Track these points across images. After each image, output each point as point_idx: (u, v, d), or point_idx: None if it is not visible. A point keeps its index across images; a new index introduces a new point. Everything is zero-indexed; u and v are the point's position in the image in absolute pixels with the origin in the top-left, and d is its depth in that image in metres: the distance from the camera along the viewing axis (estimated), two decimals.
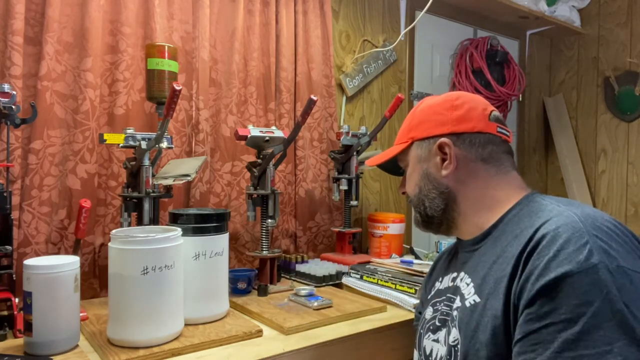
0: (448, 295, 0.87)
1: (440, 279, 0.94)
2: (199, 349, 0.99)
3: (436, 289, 0.93)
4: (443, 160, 0.86)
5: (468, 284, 0.81)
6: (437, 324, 0.87)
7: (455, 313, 0.81)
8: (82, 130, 1.32)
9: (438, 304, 0.89)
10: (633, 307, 0.61)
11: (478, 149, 0.85)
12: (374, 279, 1.39)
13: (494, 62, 2.41)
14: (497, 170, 0.85)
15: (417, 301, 1.25)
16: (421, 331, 0.91)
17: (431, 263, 1.49)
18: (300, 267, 1.52)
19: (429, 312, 0.91)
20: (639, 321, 0.61)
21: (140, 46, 1.42)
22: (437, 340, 0.85)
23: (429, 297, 0.95)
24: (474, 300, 0.78)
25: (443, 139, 0.86)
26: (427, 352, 0.87)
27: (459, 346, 0.78)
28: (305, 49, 1.77)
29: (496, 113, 0.89)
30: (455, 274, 0.88)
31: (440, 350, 0.83)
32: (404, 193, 0.97)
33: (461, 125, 0.86)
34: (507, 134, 0.89)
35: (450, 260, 0.96)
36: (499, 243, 0.79)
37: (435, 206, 0.88)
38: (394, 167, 1.00)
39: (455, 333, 0.80)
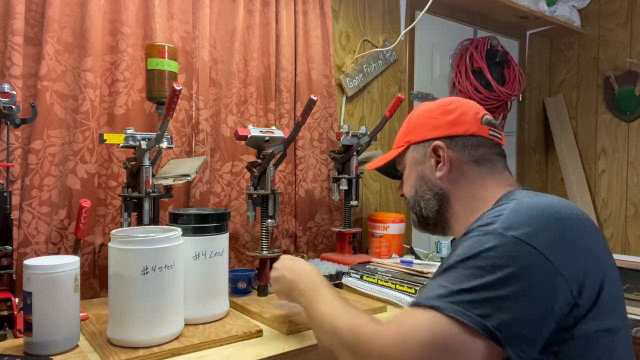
0: None
1: None
2: (199, 349, 0.99)
3: None
4: (437, 162, 0.90)
5: None
6: None
7: None
8: (82, 130, 1.32)
9: None
10: (490, 267, 0.66)
11: (471, 151, 0.88)
12: (374, 279, 1.39)
13: (494, 62, 2.42)
14: (488, 171, 0.88)
15: None
16: None
17: (431, 263, 1.49)
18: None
19: None
20: (481, 278, 0.65)
21: (140, 46, 1.42)
22: None
23: None
24: None
25: (437, 142, 0.89)
26: None
27: None
28: (305, 49, 1.77)
29: (488, 117, 0.92)
30: None
31: None
32: (402, 195, 1.00)
33: (454, 128, 0.89)
34: (499, 136, 0.92)
35: None
36: None
37: (430, 207, 0.92)
38: (392, 170, 1.04)
39: None
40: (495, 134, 0.91)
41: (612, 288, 0.72)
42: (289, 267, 1.02)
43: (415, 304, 0.69)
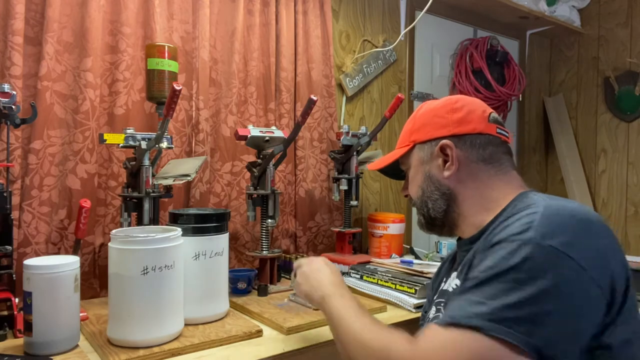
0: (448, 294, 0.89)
1: (445, 279, 0.96)
2: (199, 349, 0.99)
3: (441, 289, 0.95)
4: (445, 161, 0.88)
5: (457, 277, 0.87)
6: None
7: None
8: (82, 130, 1.32)
9: (440, 304, 0.91)
10: (530, 279, 0.64)
11: (479, 150, 0.87)
12: (374, 279, 1.39)
13: (494, 62, 2.42)
14: (496, 171, 0.87)
15: (417, 301, 1.25)
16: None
17: (431, 263, 1.49)
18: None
19: (432, 312, 0.93)
20: (522, 291, 0.63)
21: (140, 46, 1.42)
22: None
23: (435, 297, 0.96)
24: (455, 285, 0.84)
25: (445, 141, 0.87)
26: None
27: None
28: (305, 49, 1.77)
29: (495, 115, 0.90)
30: (455, 273, 0.90)
31: None
32: (406, 196, 0.98)
33: (462, 127, 0.87)
34: (507, 134, 0.90)
35: (453, 261, 0.98)
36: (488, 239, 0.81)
37: (437, 207, 0.89)
38: (394, 171, 1.01)
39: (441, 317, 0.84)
40: (502, 132, 0.89)
41: (633, 293, 0.72)
42: (317, 268, 0.99)
43: (451, 324, 0.65)
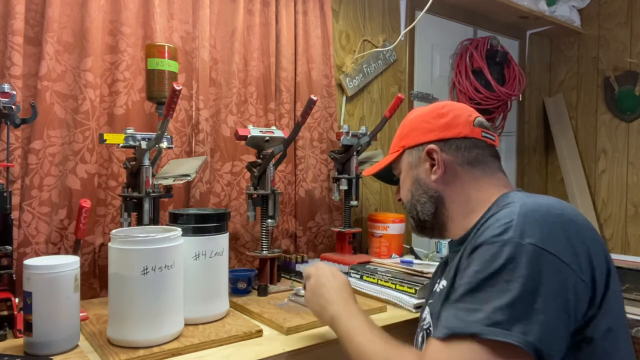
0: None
1: (438, 280, 0.97)
2: (199, 349, 0.99)
3: (434, 290, 0.96)
4: (432, 165, 0.91)
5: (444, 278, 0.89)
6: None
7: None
8: (82, 130, 1.32)
9: (431, 305, 0.93)
10: (517, 278, 0.65)
11: (464, 153, 0.89)
12: (374, 279, 1.38)
13: (494, 62, 2.41)
14: (482, 173, 0.89)
15: (417, 301, 1.26)
16: (418, 330, 0.96)
17: (431, 263, 1.49)
18: (300, 267, 1.52)
19: (425, 312, 0.95)
20: (511, 292, 0.65)
21: (140, 46, 1.42)
22: None
23: (428, 298, 0.98)
24: (443, 285, 0.85)
25: (431, 145, 0.90)
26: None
27: (430, 328, 0.86)
28: (305, 49, 1.77)
29: (480, 119, 0.93)
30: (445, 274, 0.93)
31: None
32: (399, 200, 1.01)
33: (447, 131, 0.90)
34: (492, 138, 0.93)
35: (446, 263, 0.99)
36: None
37: (426, 210, 0.92)
38: (390, 176, 1.05)
39: (428, 318, 0.89)
40: (488, 135, 0.92)
41: (615, 287, 0.73)
42: (323, 283, 0.97)
43: (450, 335, 0.67)
